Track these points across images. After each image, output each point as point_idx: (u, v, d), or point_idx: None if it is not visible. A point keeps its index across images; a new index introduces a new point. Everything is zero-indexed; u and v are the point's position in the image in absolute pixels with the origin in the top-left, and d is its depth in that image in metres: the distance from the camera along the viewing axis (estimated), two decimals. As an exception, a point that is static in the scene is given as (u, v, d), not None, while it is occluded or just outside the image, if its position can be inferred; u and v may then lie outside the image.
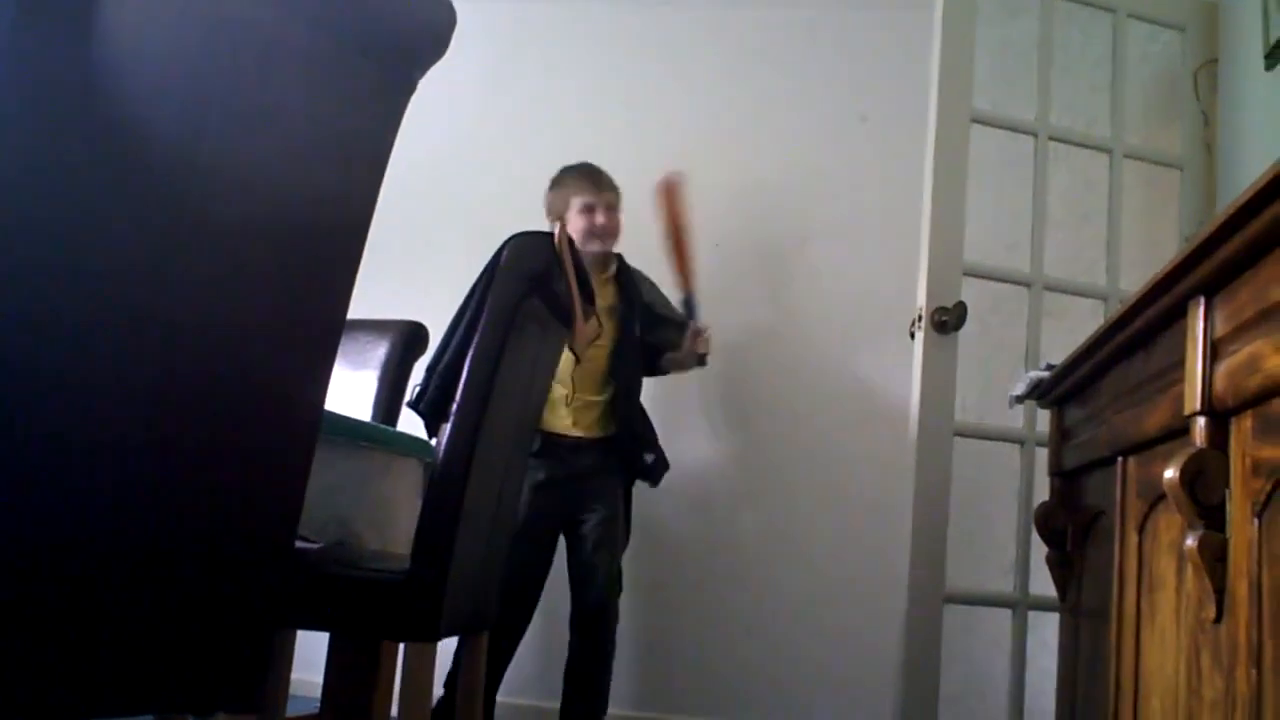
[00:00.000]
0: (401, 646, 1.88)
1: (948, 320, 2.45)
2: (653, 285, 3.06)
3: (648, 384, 3.04)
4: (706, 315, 2.99)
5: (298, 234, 1.16)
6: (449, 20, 1.22)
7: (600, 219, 2.90)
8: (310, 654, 2.05)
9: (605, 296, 2.90)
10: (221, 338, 1.09)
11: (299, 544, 1.46)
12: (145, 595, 1.04)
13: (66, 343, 0.95)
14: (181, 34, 0.99)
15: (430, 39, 1.21)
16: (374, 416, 2.50)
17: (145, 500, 1.03)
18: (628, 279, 3.00)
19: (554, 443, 2.86)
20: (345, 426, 1.79)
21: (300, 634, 2.10)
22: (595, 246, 2.89)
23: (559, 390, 2.83)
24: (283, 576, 1.22)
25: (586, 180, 2.94)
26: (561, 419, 2.89)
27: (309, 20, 1.08)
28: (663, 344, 3.00)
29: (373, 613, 1.68)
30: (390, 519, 1.91)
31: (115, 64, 0.94)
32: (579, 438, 2.89)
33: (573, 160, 3.03)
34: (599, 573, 2.83)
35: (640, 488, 3.00)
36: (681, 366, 3.04)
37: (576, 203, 2.91)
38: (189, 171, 1.01)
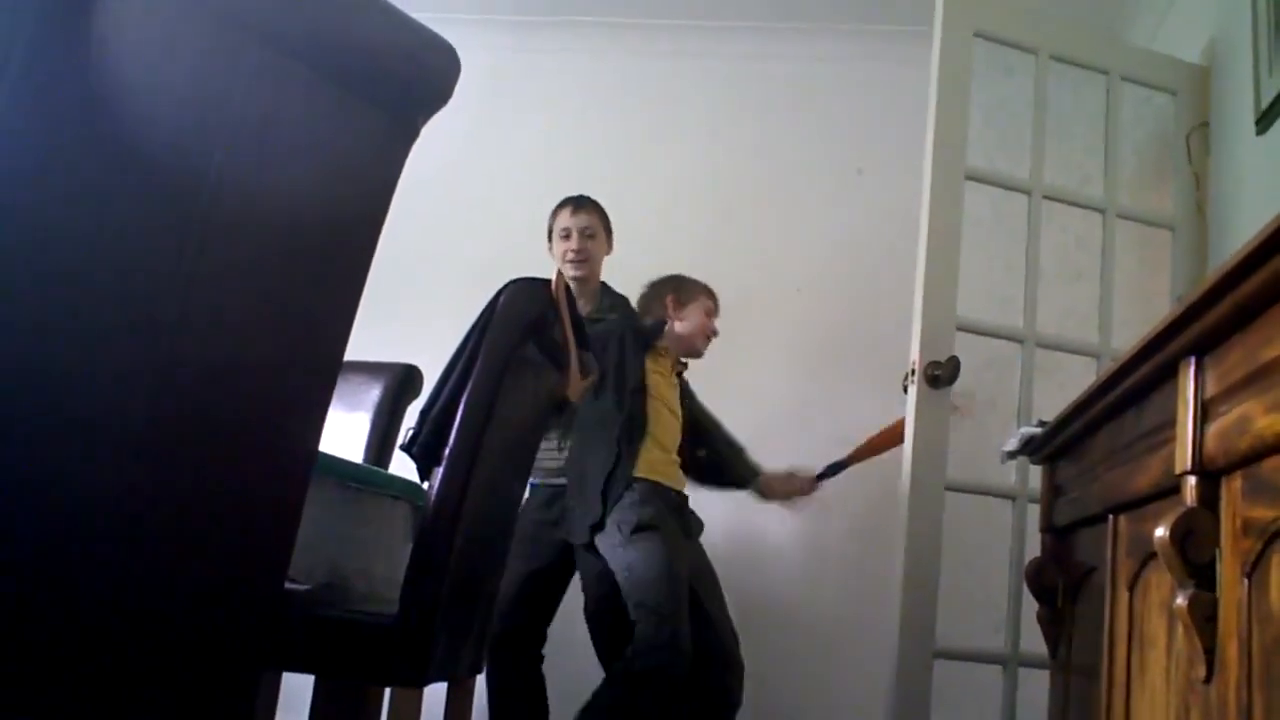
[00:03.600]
0: (388, 691, 1.87)
1: (940, 375, 2.46)
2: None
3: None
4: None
5: (298, 271, 1.17)
6: (453, 68, 1.23)
7: (715, 323, 3.16)
8: (295, 696, 2.03)
9: (674, 394, 3.07)
10: (216, 373, 1.09)
11: (287, 585, 1.45)
12: (130, 633, 1.04)
13: (52, 377, 0.95)
14: (187, 67, 1.00)
15: (434, 86, 1.23)
16: (366, 458, 2.50)
17: (133, 538, 1.03)
18: (684, 381, 3.19)
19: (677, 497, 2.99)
20: (337, 468, 1.79)
21: (285, 676, 2.07)
22: (703, 347, 3.14)
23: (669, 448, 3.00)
24: (270, 618, 1.21)
25: (711, 295, 3.19)
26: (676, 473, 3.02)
27: (310, 64, 1.09)
28: (720, 461, 3.19)
29: (360, 656, 1.66)
30: (380, 562, 1.90)
31: (121, 87, 0.95)
32: (681, 492, 3.02)
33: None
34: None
35: None
36: (773, 497, 3.22)
37: (702, 306, 3.15)
38: (192, 204, 1.02)
